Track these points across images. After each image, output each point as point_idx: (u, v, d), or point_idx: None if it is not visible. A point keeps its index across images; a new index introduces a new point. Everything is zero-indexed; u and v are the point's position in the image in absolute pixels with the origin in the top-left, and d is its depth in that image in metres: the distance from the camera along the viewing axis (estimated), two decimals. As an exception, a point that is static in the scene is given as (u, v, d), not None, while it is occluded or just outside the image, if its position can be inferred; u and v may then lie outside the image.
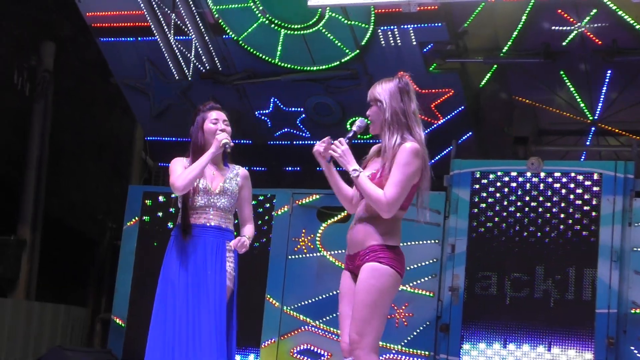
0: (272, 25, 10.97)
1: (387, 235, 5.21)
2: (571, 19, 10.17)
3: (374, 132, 5.39)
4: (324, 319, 10.31)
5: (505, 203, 9.83)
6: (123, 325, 11.20)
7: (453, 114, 11.03)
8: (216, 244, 6.05)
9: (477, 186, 9.96)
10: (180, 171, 6.06)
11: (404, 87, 5.39)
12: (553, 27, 10.31)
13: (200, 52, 11.40)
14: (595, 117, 10.91)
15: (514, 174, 9.89)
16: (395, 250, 5.21)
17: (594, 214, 9.54)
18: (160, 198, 11.31)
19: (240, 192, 6.25)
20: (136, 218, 11.43)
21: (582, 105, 10.89)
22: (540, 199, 9.74)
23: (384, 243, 5.19)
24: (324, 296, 10.34)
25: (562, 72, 10.73)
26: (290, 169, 12.02)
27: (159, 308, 6.07)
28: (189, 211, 6.10)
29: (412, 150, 5.16)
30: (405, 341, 9.93)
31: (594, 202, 9.55)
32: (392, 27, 10.57)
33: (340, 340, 5.32)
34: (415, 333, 9.94)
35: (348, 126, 11.28)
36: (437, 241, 10.02)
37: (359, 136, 5.44)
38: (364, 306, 5.10)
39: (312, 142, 11.62)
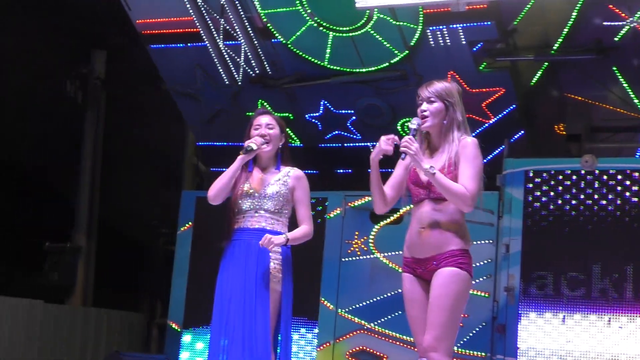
0: (321, 28, 10.97)
1: (465, 239, 5.25)
2: (623, 14, 10.04)
3: (428, 128, 5.39)
4: (379, 321, 10.29)
5: (560, 201, 9.73)
6: (179, 330, 11.25)
7: (504, 112, 10.95)
8: (258, 247, 5.98)
9: (531, 185, 9.87)
10: None
11: (460, 91, 5.47)
12: (604, 23, 10.19)
13: (250, 56, 11.45)
14: (650, 113, 10.78)
15: (567, 172, 9.78)
16: (469, 254, 5.27)
17: (650, 210, 9.41)
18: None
19: (294, 193, 6.21)
20: (190, 223, 11.49)
21: (635, 101, 10.75)
22: (595, 196, 9.62)
23: (463, 247, 5.22)
24: (378, 298, 10.32)
25: (614, 68, 10.60)
26: (341, 171, 12.00)
27: (213, 314, 6.12)
28: (235, 216, 6.15)
29: (475, 143, 5.26)
30: (462, 342, 9.87)
31: (650, 199, 9.42)
32: (441, 26, 10.52)
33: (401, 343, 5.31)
34: (471, 334, 9.87)
35: (399, 128, 11.24)
36: (491, 241, 9.95)
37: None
38: (444, 311, 5.12)
39: (362, 144, 11.63)
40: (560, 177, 9.78)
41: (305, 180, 6.31)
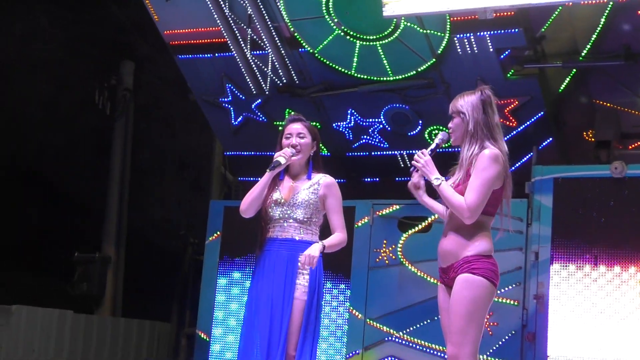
0: (348, 37, 10.97)
1: (480, 245, 5.24)
2: (652, 20, 9.99)
3: (456, 143, 5.47)
4: (408, 330, 10.25)
5: (589, 208, 9.66)
6: (208, 339, 11.26)
7: (532, 119, 10.89)
8: (286, 257, 5.96)
9: (560, 192, 9.81)
10: None
11: (487, 99, 5.44)
12: (633, 29, 10.13)
13: (277, 65, 11.47)
14: (680, 119, 10.70)
15: (597, 178, 9.71)
16: (489, 260, 5.24)
17: (681, 217, 9.33)
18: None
19: (325, 201, 6.12)
20: (218, 233, 11.51)
21: (665, 107, 10.69)
22: (625, 203, 9.55)
23: (477, 253, 5.22)
24: (406, 306, 10.28)
25: (644, 74, 10.54)
26: (369, 179, 11.98)
27: (243, 323, 6.10)
28: (265, 225, 6.10)
29: (490, 156, 5.23)
30: (491, 351, 9.82)
31: (681, 206, 9.35)
32: (468, 34, 10.49)
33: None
34: (500, 342, 9.82)
35: (426, 136, 11.22)
36: (520, 249, 9.89)
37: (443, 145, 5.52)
38: (459, 318, 5.15)
39: (390, 152, 11.60)
40: (590, 184, 9.72)
41: (337, 187, 6.20)
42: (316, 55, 11.29)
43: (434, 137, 5.55)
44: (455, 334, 5.15)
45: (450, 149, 5.83)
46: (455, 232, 5.29)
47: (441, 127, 5.59)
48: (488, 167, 5.20)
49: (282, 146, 6.18)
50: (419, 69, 10.98)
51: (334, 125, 11.86)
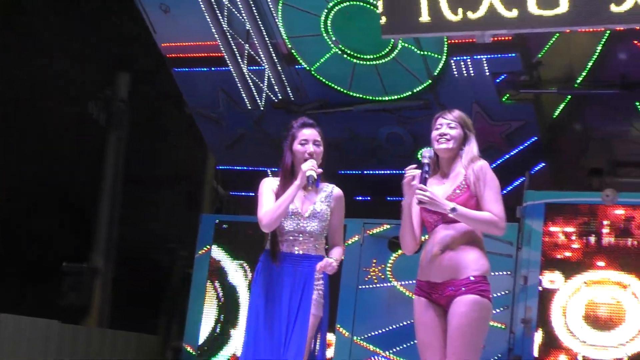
0: (345, 56, 11.00)
1: (484, 265, 5.12)
2: (648, 49, 10.04)
3: (448, 152, 5.34)
4: (394, 350, 10.23)
5: (580, 235, 9.67)
6: (194, 353, 11.23)
7: (526, 144, 10.92)
8: (304, 274, 5.66)
9: (551, 218, 9.82)
10: (268, 198, 5.70)
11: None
12: (629, 58, 10.17)
13: (273, 81, 11.49)
14: (672, 149, 10.73)
15: (588, 205, 9.73)
16: (488, 281, 5.12)
17: (671, 246, 9.35)
18: (232, 227, 11.37)
19: (332, 215, 5.78)
20: (208, 247, 11.49)
21: (658, 137, 10.73)
22: (616, 231, 9.56)
23: (483, 273, 5.08)
24: (394, 326, 10.27)
25: (637, 103, 10.57)
26: (360, 198, 11.97)
27: (247, 337, 5.77)
28: (277, 237, 5.70)
29: (488, 165, 5.21)
30: (477, 374, 9.79)
31: (671, 235, 9.36)
32: (465, 57, 10.53)
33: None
34: (487, 365, 9.81)
35: (419, 157, 11.20)
36: (509, 273, 9.89)
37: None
38: (466, 341, 5.00)
39: (382, 171, 11.61)
40: (581, 210, 9.73)
41: (343, 200, 5.90)
42: (312, 72, 11.32)
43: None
44: (459, 356, 4.98)
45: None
46: (454, 247, 5.12)
47: (429, 148, 5.44)
48: (494, 176, 5.16)
49: (295, 151, 5.80)
50: (415, 90, 11.01)
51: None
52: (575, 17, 8.96)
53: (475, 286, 5.04)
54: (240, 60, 11.48)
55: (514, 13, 9.19)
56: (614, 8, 8.75)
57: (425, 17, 9.48)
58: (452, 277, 5.10)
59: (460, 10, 9.34)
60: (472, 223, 5.10)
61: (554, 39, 10.26)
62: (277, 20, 11.08)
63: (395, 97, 11.16)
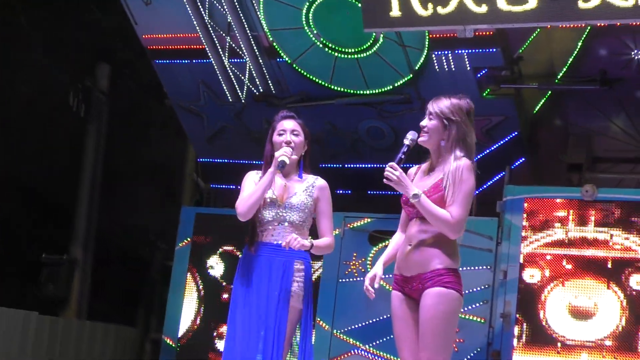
0: (326, 49, 11.00)
1: (451, 258, 5.10)
2: (629, 46, 10.08)
3: (427, 145, 5.24)
4: (374, 343, 10.26)
5: (559, 230, 9.73)
6: (174, 345, 11.22)
7: (506, 139, 10.96)
8: (283, 265, 5.68)
9: (530, 212, 9.87)
10: (248, 190, 5.74)
11: (471, 109, 5.28)
12: (610, 54, 10.22)
13: (254, 74, 11.47)
14: (652, 145, 10.80)
15: (567, 200, 9.78)
16: (457, 273, 5.12)
17: (649, 242, 9.42)
18: (212, 219, 11.37)
19: (317, 205, 5.82)
20: (188, 239, 11.48)
21: (637, 132, 10.77)
22: (595, 226, 9.62)
23: (449, 266, 5.08)
24: (374, 320, 10.29)
25: (618, 99, 10.63)
26: (341, 192, 11.97)
27: (229, 330, 5.78)
28: (257, 227, 5.75)
29: (466, 166, 5.06)
30: (456, 367, 9.85)
31: (649, 230, 9.43)
32: (446, 51, 10.55)
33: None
34: (466, 359, 9.85)
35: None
36: (489, 267, 9.93)
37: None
38: (436, 333, 5.02)
39: (363, 165, 11.62)
40: (560, 205, 9.78)
41: (329, 190, 5.92)
42: (294, 65, 11.31)
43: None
44: (430, 348, 5.01)
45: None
46: (427, 242, 5.11)
47: (414, 131, 5.36)
48: (467, 178, 5.04)
49: (274, 142, 5.86)
50: (396, 84, 11.02)
51: (308, 136, 11.84)
52: (544, 13, 8.94)
53: (440, 278, 5.05)
54: (221, 52, 11.45)
55: (483, 9, 9.18)
56: (582, 4, 8.75)
57: (396, 12, 9.46)
58: (420, 270, 5.12)
59: (430, 5, 9.33)
60: (429, 217, 5.06)
61: (534, 35, 10.29)
62: (258, 12, 11.06)
63: (377, 90, 11.16)
